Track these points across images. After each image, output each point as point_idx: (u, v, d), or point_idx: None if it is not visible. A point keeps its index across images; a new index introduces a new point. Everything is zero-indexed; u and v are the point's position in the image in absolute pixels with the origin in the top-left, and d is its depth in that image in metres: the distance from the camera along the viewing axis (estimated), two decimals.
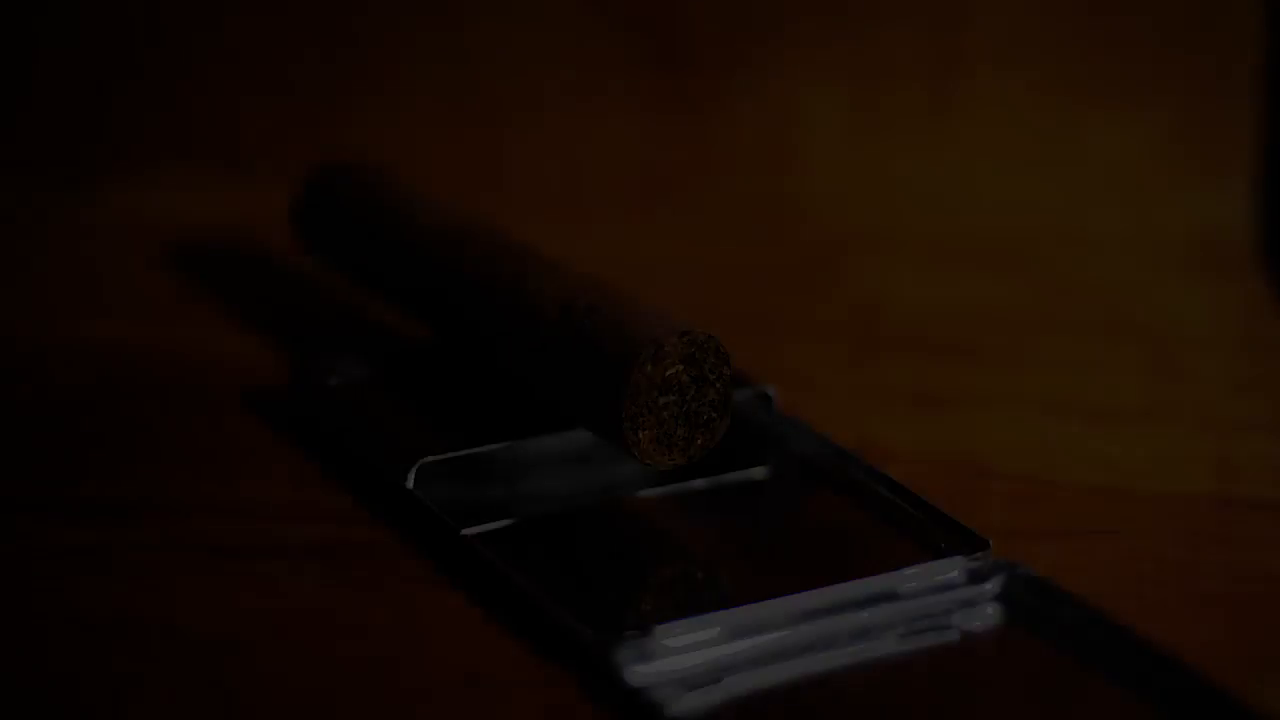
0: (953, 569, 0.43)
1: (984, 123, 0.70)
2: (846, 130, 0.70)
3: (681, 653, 0.41)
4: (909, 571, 0.43)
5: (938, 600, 0.43)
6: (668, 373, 0.44)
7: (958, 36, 0.70)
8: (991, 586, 0.43)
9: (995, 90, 0.70)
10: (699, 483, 0.48)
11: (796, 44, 0.70)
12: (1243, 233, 0.67)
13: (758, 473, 0.49)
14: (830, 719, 0.40)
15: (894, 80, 0.70)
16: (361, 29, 0.71)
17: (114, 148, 0.71)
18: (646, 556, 0.46)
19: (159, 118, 0.71)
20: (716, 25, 0.70)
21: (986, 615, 0.43)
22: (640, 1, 0.70)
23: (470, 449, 0.47)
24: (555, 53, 0.71)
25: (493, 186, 0.70)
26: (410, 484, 0.46)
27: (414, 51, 0.71)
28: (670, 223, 0.69)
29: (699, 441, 0.45)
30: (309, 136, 0.71)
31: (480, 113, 0.71)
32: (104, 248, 0.66)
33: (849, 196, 0.70)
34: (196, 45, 0.71)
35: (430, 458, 0.47)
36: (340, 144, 0.69)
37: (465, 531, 0.45)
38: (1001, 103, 0.70)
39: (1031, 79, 0.70)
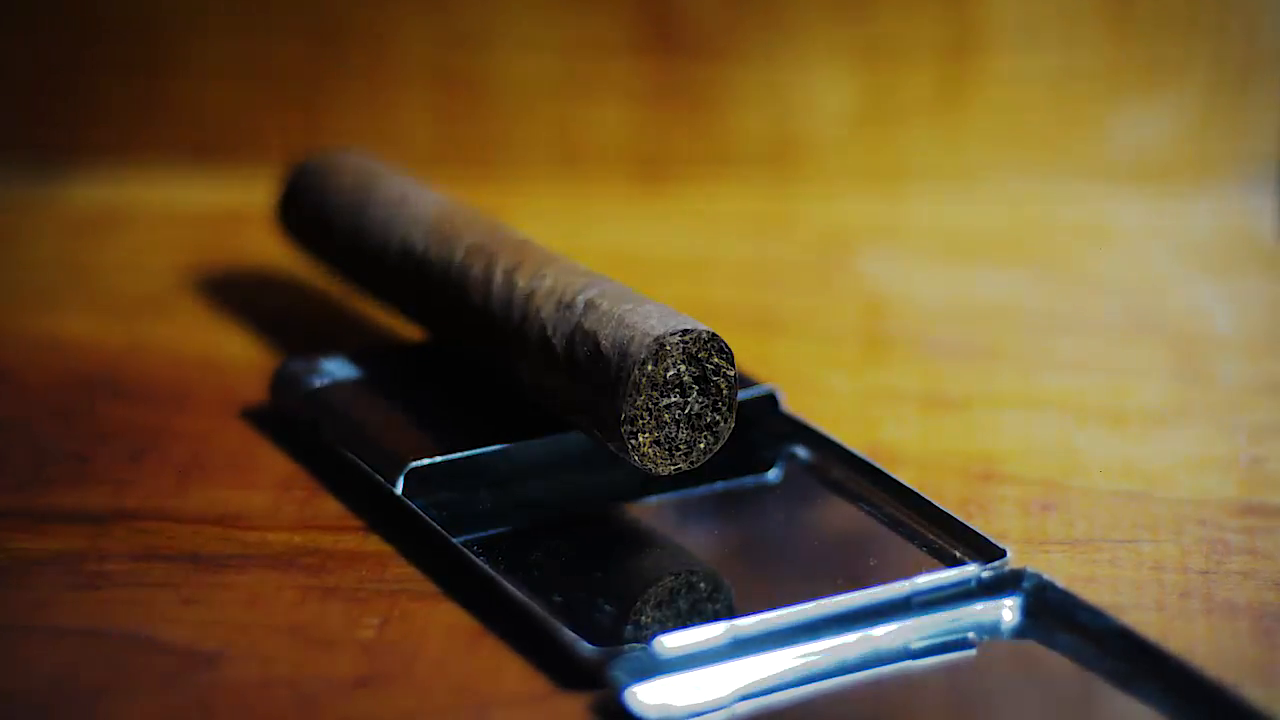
0: (968, 578, 0.43)
1: (999, 110, 0.70)
2: (854, 118, 0.70)
3: (684, 665, 0.40)
4: (922, 580, 0.42)
5: (952, 610, 0.42)
6: (669, 373, 0.44)
7: (971, 18, 0.69)
8: (1008, 596, 0.43)
9: (1011, 76, 0.70)
10: (702, 488, 0.48)
11: (802, 27, 0.69)
12: (1272, 227, 0.67)
13: (763, 478, 0.49)
14: None
15: (905, 65, 0.70)
16: (348, 9, 0.70)
17: (87, 136, 0.71)
18: (647, 565, 0.45)
19: (135, 104, 0.71)
20: (719, 9, 0.70)
21: (1003, 626, 0.42)
22: None
23: (462, 453, 0.47)
24: (552, 37, 0.70)
25: (486, 178, 0.70)
26: (399, 490, 0.46)
27: (403, 34, 0.71)
28: (671, 215, 0.69)
29: (702, 445, 0.44)
30: (293, 124, 0.70)
31: (474, 100, 0.71)
32: (77, 241, 0.66)
33: (857, 188, 0.70)
34: (173, 28, 0.71)
35: (420, 462, 0.46)
36: (326, 131, 0.70)
37: (457, 539, 0.44)
38: (1017, 89, 0.70)
39: (1049, 64, 0.70)
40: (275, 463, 0.49)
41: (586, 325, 0.45)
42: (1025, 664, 0.41)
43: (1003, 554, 0.43)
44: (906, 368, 0.56)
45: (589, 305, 0.45)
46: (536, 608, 0.41)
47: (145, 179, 0.69)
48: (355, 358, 0.52)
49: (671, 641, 0.40)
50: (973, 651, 0.42)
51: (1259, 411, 0.53)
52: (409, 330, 0.55)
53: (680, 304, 0.45)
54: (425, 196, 0.54)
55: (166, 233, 0.66)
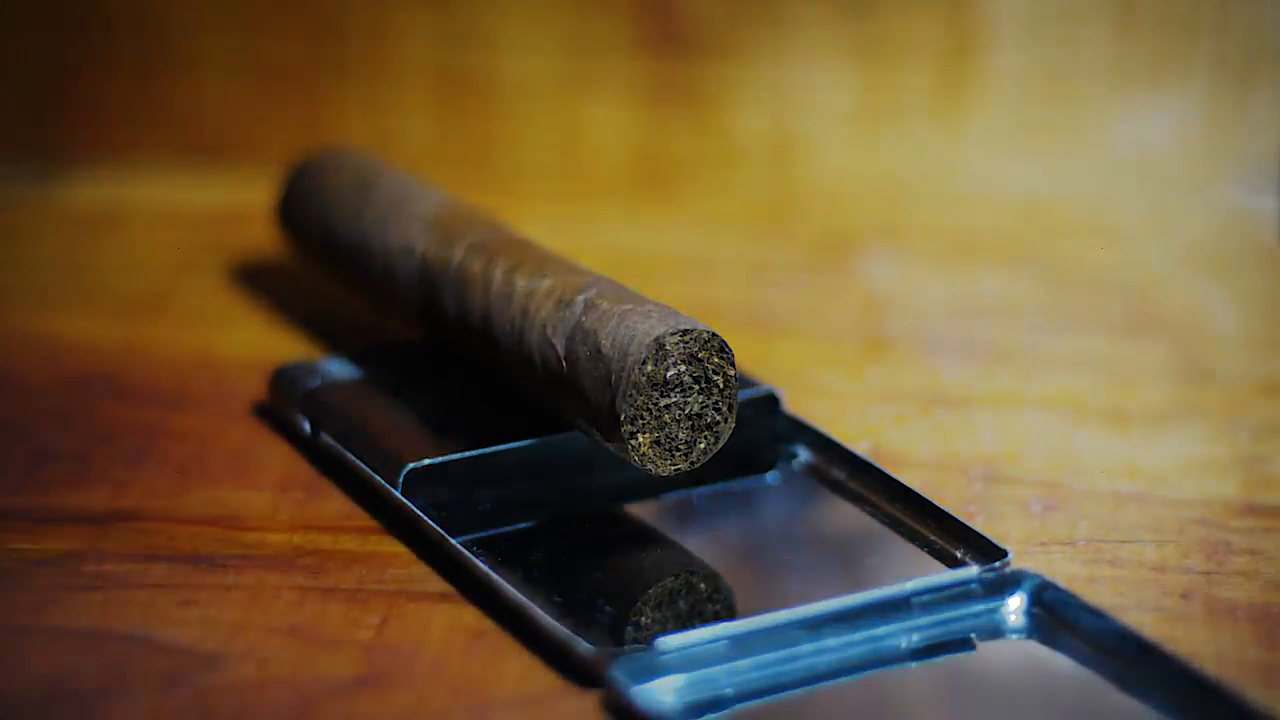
0: (969, 578, 0.42)
1: (999, 110, 0.70)
2: (855, 117, 0.70)
3: (684, 666, 0.40)
4: (923, 581, 0.42)
5: (954, 612, 0.42)
6: (669, 373, 0.44)
7: (971, 18, 0.69)
8: (1010, 597, 0.42)
9: (1011, 75, 0.69)
10: (702, 488, 0.47)
11: (802, 26, 0.69)
12: (1272, 227, 0.66)
13: (764, 478, 0.49)
14: None
15: (905, 65, 0.69)
16: (348, 9, 0.70)
17: (87, 135, 0.71)
18: (647, 565, 0.45)
19: (135, 104, 0.71)
20: (719, 8, 0.70)
21: (1004, 627, 0.42)
22: None
23: (462, 453, 0.46)
24: (552, 37, 0.70)
25: (486, 177, 0.70)
26: (399, 490, 0.46)
27: (403, 34, 0.70)
28: (671, 215, 0.69)
29: (701, 445, 0.44)
30: (293, 124, 0.70)
31: (474, 100, 0.71)
32: (77, 241, 0.65)
33: (858, 187, 0.70)
34: (173, 27, 0.71)
35: (420, 462, 0.46)
36: (326, 131, 0.69)
37: (457, 539, 0.44)
38: (1018, 88, 0.69)
39: (1050, 63, 0.69)
40: (275, 463, 0.49)
41: (586, 325, 0.45)
42: (1025, 664, 0.41)
43: (1004, 554, 0.43)
44: (906, 368, 0.56)
45: (589, 305, 0.45)
46: (536, 608, 0.41)
47: (145, 179, 0.69)
48: (355, 358, 0.52)
49: (672, 642, 0.40)
50: (973, 651, 0.41)
51: (1260, 411, 0.53)
52: (409, 330, 0.55)
53: (680, 304, 0.45)
54: (425, 196, 0.53)
55: (166, 233, 0.66)
